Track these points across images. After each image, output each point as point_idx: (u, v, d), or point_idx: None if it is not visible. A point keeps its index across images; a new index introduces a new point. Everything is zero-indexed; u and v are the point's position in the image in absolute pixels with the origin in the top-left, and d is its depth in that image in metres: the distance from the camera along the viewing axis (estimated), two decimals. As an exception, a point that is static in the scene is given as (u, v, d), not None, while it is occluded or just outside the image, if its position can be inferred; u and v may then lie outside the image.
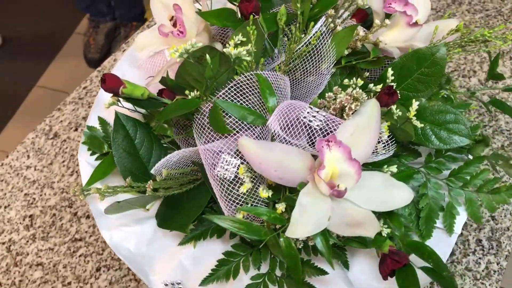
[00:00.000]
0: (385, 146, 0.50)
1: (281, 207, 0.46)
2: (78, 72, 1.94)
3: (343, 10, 0.57)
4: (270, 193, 0.46)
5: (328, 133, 0.48)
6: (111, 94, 0.52)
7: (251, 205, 0.47)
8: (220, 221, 0.45)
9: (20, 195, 0.90)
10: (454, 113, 0.51)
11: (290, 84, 0.56)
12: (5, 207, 0.88)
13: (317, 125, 0.47)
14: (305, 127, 0.47)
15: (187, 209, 0.51)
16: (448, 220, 0.55)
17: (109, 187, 0.49)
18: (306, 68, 0.55)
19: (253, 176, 0.47)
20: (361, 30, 0.53)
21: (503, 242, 0.70)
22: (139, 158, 0.55)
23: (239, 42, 0.51)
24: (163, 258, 0.53)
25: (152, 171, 0.51)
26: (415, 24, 0.56)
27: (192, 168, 0.53)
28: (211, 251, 0.53)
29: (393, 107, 0.50)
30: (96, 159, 0.58)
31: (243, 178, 0.45)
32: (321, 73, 0.55)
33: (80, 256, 0.78)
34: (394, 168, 0.50)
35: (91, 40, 2.09)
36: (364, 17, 0.62)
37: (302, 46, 0.51)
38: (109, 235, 0.54)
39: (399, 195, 0.46)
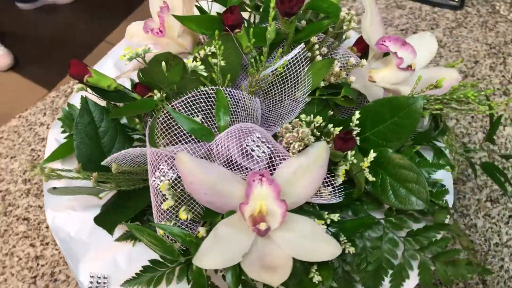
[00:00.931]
0: (333, 191, 0.48)
1: (202, 231, 0.45)
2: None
3: (334, 37, 0.54)
4: (190, 215, 0.44)
5: (270, 166, 0.46)
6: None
7: (176, 222, 0.46)
8: (137, 232, 0.44)
9: (27, 149, 0.94)
10: (417, 172, 0.47)
11: (268, 105, 0.54)
12: (11, 157, 0.93)
13: (259, 156, 0.45)
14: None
15: (126, 208, 0.51)
16: (396, 281, 0.51)
17: (53, 170, 0.50)
18: (283, 91, 0.52)
19: (181, 195, 0.46)
20: (336, 66, 0.49)
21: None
22: (100, 146, 0.55)
23: (209, 53, 0.49)
24: (99, 250, 0.53)
25: (103, 162, 0.51)
26: (407, 68, 0.52)
27: (145, 168, 0.53)
28: (149, 255, 0.53)
29: (350, 153, 0.46)
30: (65, 138, 0.59)
31: (166, 195, 0.44)
32: (295, 100, 0.53)
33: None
34: (335, 217, 0.47)
35: None
36: (366, 47, 0.58)
37: (271, 71, 0.49)
38: (52, 216, 0.55)
39: (324, 249, 0.44)
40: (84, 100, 0.54)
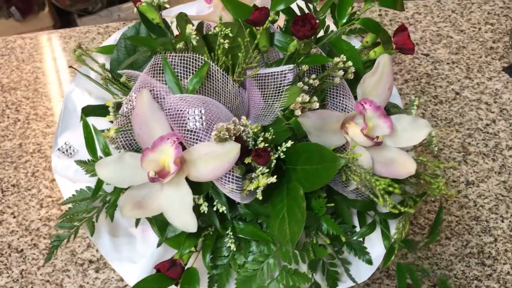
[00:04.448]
0: (236, 190, 0.53)
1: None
2: None
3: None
4: (118, 136, 0.53)
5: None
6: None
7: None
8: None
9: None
10: (301, 219, 0.50)
11: (253, 102, 0.60)
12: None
13: (190, 127, 0.52)
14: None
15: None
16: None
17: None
18: (266, 95, 0.57)
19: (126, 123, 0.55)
20: (301, 96, 0.53)
21: None
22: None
23: (220, 32, 0.57)
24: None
25: (119, 68, 0.62)
26: (372, 138, 0.54)
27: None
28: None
29: (259, 169, 0.51)
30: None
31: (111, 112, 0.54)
32: (273, 110, 0.58)
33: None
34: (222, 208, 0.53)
35: None
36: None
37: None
38: (71, 89, 0.69)
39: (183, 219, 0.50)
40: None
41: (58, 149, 0.64)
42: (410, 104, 0.61)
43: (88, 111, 0.61)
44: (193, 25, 0.56)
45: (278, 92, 0.57)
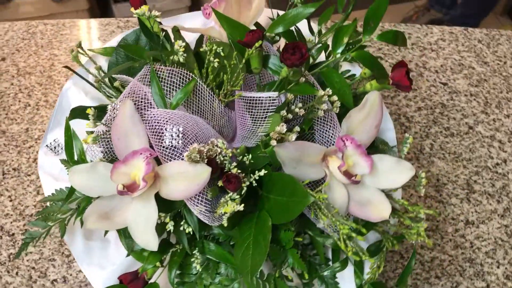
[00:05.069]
0: (205, 213, 0.53)
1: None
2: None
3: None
4: (96, 144, 0.54)
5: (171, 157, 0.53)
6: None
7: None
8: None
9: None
10: (263, 252, 0.49)
11: (240, 122, 0.59)
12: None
13: (166, 144, 0.52)
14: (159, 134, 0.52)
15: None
16: None
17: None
18: (254, 114, 0.56)
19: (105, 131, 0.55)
20: (280, 126, 0.52)
21: None
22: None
23: (211, 50, 0.56)
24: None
25: (112, 70, 0.63)
26: (349, 175, 0.53)
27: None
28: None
29: (229, 194, 0.51)
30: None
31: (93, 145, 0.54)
32: (257, 133, 0.57)
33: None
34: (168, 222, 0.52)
35: (414, 17, 2.18)
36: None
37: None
38: (67, 87, 0.69)
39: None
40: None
41: (46, 145, 0.65)
42: (403, 140, 0.59)
43: (77, 112, 0.61)
44: (183, 40, 0.56)
45: (264, 116, 0.56)
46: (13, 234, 0.85)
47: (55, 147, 0.65)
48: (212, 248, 0.56)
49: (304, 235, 0.58)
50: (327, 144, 0.58)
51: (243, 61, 0.53)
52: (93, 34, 1.10)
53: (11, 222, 0.86)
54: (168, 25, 0.62)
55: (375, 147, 0.59)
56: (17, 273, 0.81)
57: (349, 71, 0.66)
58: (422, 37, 1.08)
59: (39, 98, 1.00)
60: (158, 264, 0.55)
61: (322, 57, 0.68)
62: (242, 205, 0.49)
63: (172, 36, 0.62)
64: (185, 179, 0.50)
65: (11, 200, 0.88)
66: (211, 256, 0.56)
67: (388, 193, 0.56)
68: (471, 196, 0.89)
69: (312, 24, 0.68)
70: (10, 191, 0.89)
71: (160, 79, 0.56)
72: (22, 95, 1.00)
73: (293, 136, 0.50)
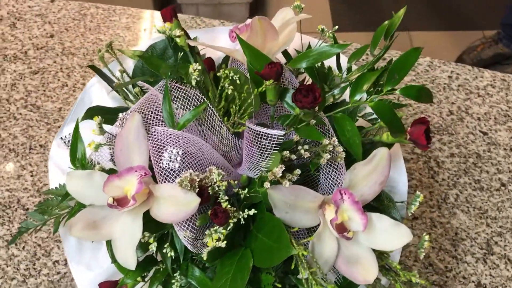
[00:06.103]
0: (191, 240, 0.52)
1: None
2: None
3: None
4: (96, 151, 0.54)
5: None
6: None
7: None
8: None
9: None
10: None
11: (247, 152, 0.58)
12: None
13: (163, 165, 0.52)
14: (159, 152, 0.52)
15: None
16: None
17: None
18: (261, 147, 0.55)
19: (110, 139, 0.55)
20: (279, 167, 0.50)
21: None
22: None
23: (226, 76, 0.55)
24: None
25: (130, 81, 0.63)
26: (341, 230, 0.51)
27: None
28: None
29: (215, 228, 0.50)
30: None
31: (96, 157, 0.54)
32: (260, 166, 0.56)
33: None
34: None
35: (479, 48, 2.10)
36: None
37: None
38: (90, 83, 0.70)
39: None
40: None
41: (61, 137, 0.66)
42: (414, 197, 0.56)
43: (93, 112, 0.62)
44: (200, 63, 0.55)
45: (270, 152, 0.55)
46: (27, 209, 0.88)
47: (69, 141, 0.67)
48: (196, 274, 0.56)
49: (291, 276, 0.57)
50: (331, 188, 0.57)
51: (255, 92, 0.52)
52: (142, 24, 1.11)
53: (28, 197, 0.89)
54: (195, 42, 0.61)
55: (381, 201, 0.57)
56: (23, 248, 0.84)
57: (371, 114, 0.64)
58: (471, 79, 1.03)
59: (77, 80, 1.02)
60: (139, 279, 0.55)
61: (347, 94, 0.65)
62: (225, 242, 0.48)
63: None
64: (175, 204, 0.50)
65: (32, 176, 0.91)
66: (192, 281, 0.55)
67: (383, 251, 0.54)
68: (489, 258, 0.85)
69: (342, 58, 0.66)
70: (33, 167, 0.92)
71: (174, 97, 0.55)
72: (62, 74, 1.03)
73: (286, 183, 0.49)
